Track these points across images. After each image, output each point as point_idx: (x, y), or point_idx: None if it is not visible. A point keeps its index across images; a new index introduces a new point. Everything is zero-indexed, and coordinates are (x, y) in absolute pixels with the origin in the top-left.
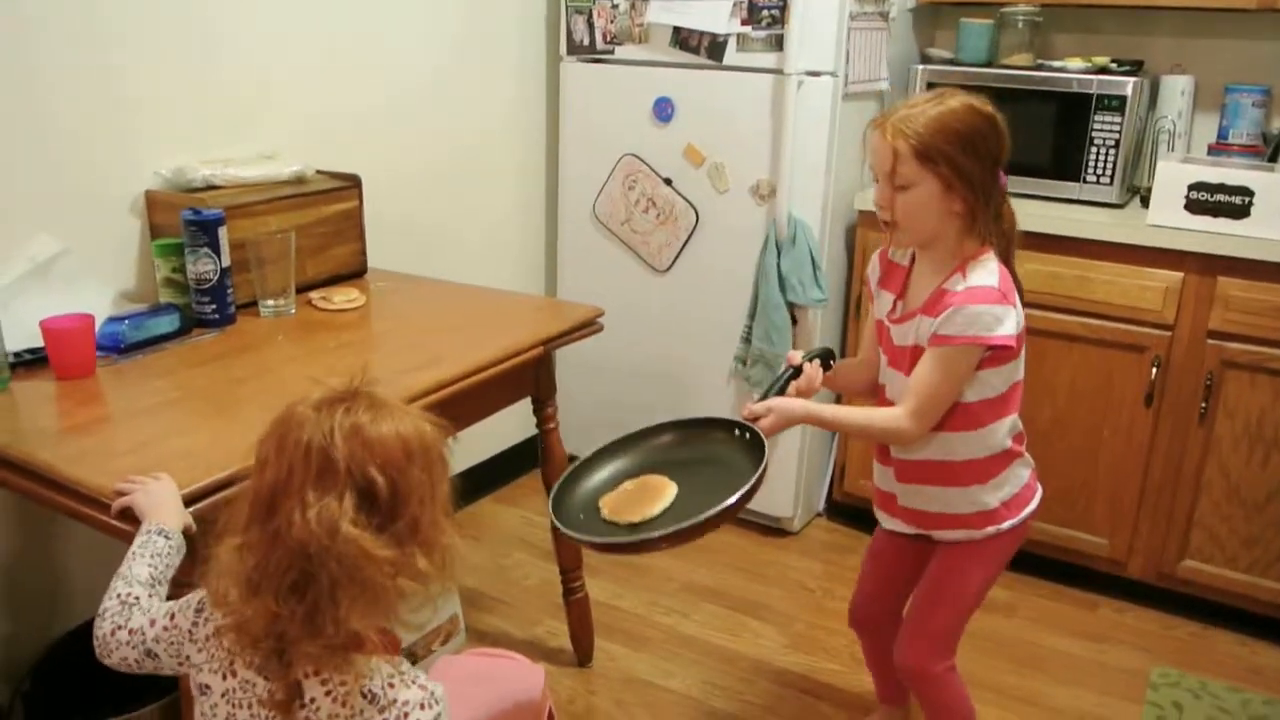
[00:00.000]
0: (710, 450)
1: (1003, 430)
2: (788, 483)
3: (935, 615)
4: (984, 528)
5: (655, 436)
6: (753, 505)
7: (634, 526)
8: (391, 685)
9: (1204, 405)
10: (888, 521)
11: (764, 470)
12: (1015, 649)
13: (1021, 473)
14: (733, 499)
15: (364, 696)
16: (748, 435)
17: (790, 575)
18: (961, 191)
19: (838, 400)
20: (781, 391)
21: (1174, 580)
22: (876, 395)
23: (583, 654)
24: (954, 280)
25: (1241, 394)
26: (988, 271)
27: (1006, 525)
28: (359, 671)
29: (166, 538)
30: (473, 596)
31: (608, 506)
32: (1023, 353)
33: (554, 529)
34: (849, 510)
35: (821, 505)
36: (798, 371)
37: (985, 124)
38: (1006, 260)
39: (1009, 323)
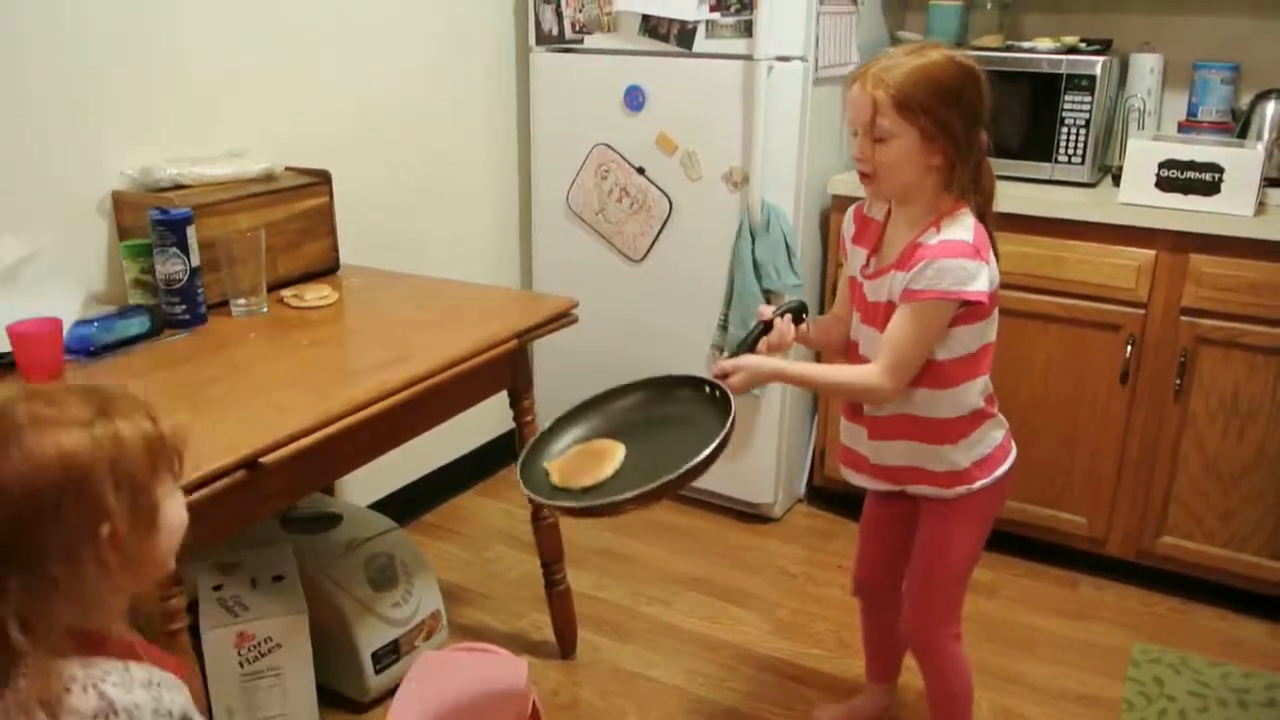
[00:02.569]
0: (677, 410)
1: (974, 390)
2: (768, 469)
3: (928, 582)
4: (954, 486)
5: (621, 398)
6: (733, 492)
7: (588, 490)
8: (68, 691)
9: (1179, 382)
10: (859, 479)
11: (730, 430)
12: (996, 629)
13: (994, 434)
14: (695, 460)
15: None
16: (717, 393)
17: (772, 561)
18: (941, 144)
19: (816, 358)
20: (752, 348)
21: (1153, 557)
22: (848, 352)
23: (566, 646)
24: (928, 234)
25: (1215, 369)
26: (962, 227)
27: (978, 485)
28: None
29: None
30: (455, 591)
31: (557, 473)
32: (995, 313)
33: (528, 498)
34: (830, 495)
35: (802, 491)
36: (769, 327)
37: (966, 76)
38: (983, 219)
39: (981, 279)
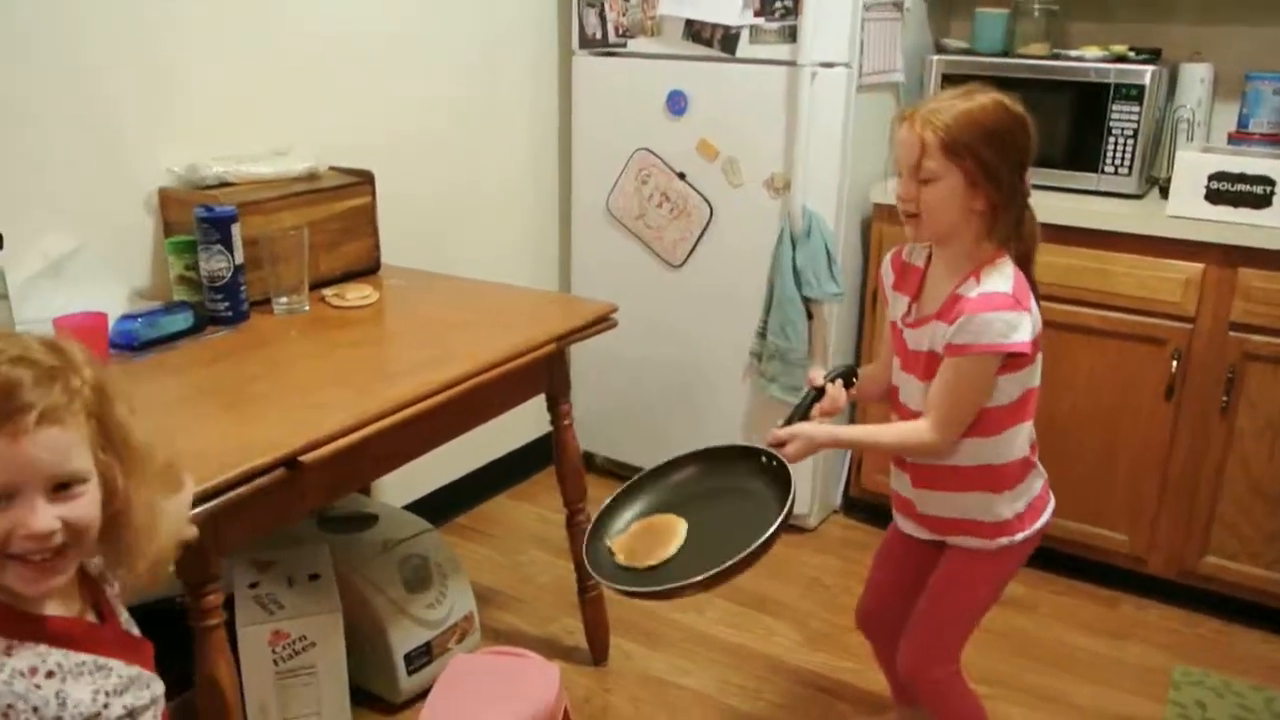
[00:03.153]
0: (735, 483)
1: (1020, 438)
2: (804, 480)
3: (938, 624)
4: (996, 538)
5: (677, 471)
6: None
7: (653, 570)
8: None
9: (1225, 399)
10: (905, 524)
11: (791, 505)
12: (1036, 646)
13: (1035, 484)
14: (758, 541)
15: None
16: (774, 462)
17: (807, 572)
18: (985, 188)
19: (852, 411)
20: (805, 415)
21: (1195, 576)
22: (890, 397)
23: (598, 652)
24: (968, 285)
25: (1264, 387)
26: (1003, 277)
27: (1019, 537)
28: None
29: None
30: (488, 594)
31: (621, 551)
32: (1039, 359)
33: (597, 581)
34: (866, 507)
35: (838, 502)
36: (820, 393)
37: (1014, 123)
38: (1024, 267)
39: (1024, 329)
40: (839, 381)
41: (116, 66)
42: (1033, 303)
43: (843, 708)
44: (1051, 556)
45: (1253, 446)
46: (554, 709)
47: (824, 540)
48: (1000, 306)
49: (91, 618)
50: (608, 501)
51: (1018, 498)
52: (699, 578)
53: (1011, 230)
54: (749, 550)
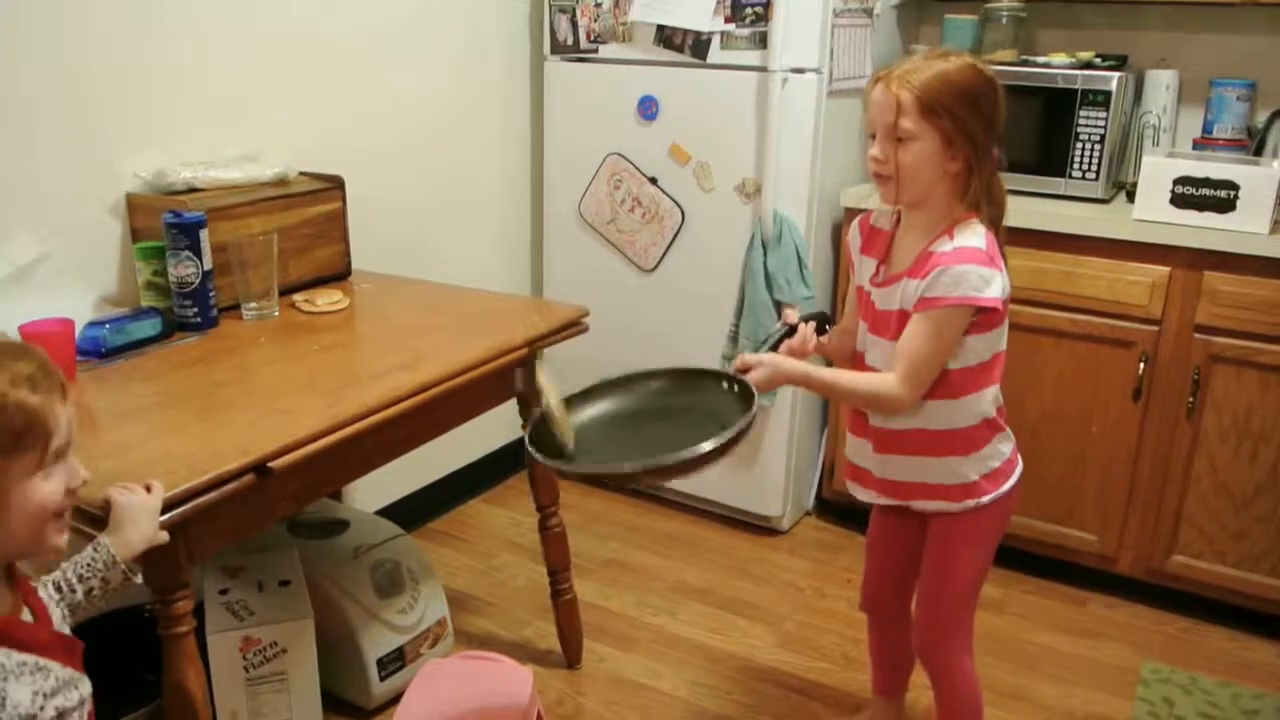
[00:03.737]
0: (700, 400)
1: (985, 400)
2: (776, 481)
3: (937, 600)
4: (963, 500)
5: (646, 381)
6: (741, 504)
7: (597, 459)
8: None
9: (1191, 400)
10: (861, 493)
11: (751, 420)
12: (1005, 645)
13: (1003, 447)
14: (713, 443)
15: None
16: (736, 388)
17: (779, 574)
18: (961, 149)
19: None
20: (774, 349)
21: (1164, 576)
22: (855, 362)
23: (571, 655)
24: (941, 242)
25: (1229, 388)
26: (975, 234)
27: (986, 499)
28: None
29: (94, 549)
30: (461, 599)
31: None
32: (1005, 322)
33: (529, 458)
34: (838, 509)
35: (811, 504)
36: (792, 330)
37: (987, 84)
38: (994, 230)
39: (995, 285)
40: (811, 323)
41: (83, 73)
42: (1003, 263)
43: (815, 708)
44: (1021, 557)
45: (1218, 447)
46: (527, 712)
47: (796, 542)
48: (975, 260)
49: (27, 616)
50: (566, 396)
51: (983, 460)
52: (645, 463)
53: (983, 194)
54: (701, 452)
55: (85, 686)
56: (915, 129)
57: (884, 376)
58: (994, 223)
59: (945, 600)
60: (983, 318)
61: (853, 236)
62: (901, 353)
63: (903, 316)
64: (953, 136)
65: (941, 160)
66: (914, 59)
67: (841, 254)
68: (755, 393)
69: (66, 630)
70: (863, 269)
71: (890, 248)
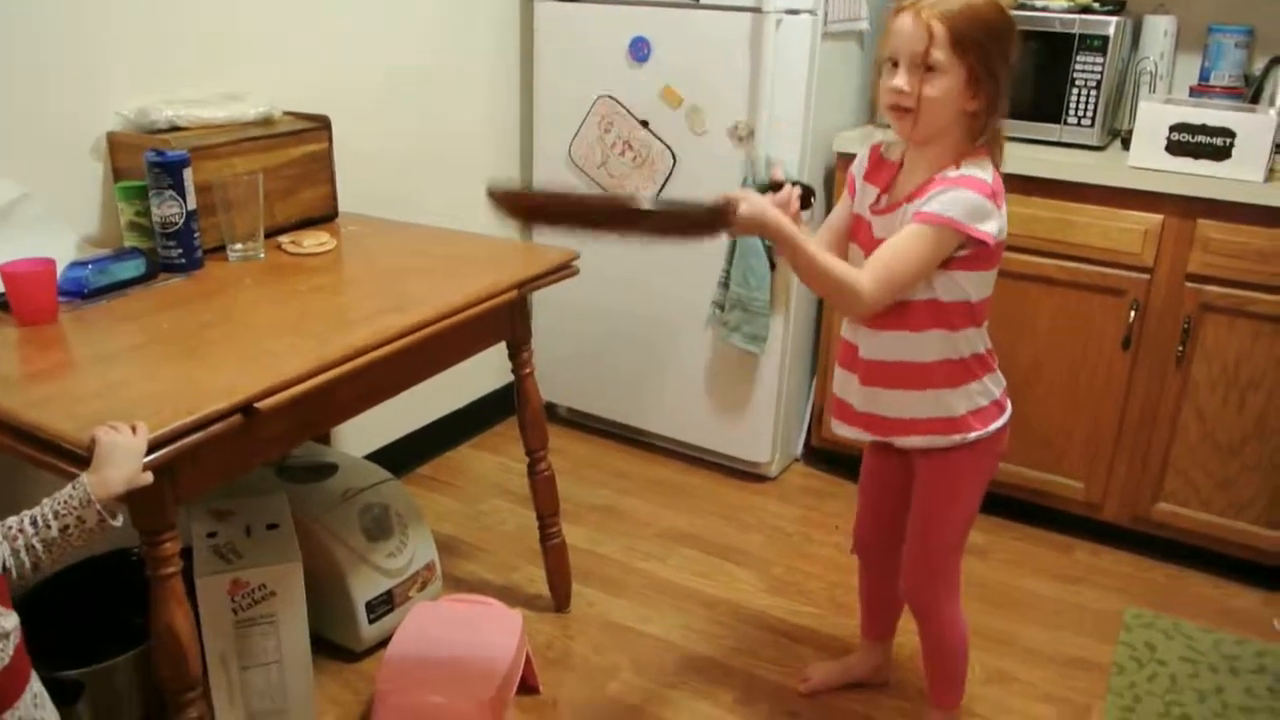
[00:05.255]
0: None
1: (976, 337)
2: (765, 427)
3: (925, 543)
4: (949, 434)
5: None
6: (731, 451)
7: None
8: None
9: (1181, 349)
10: (845, 430)
11: (713, 212)
12: (990, 591)
13: (993, 388)
14: (651, 201)
15: None
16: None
17: (768, 520)
18: (984, 86)
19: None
20: None
21: (1149, 523)
22: None
23: (560, 599)
24: (947, 170)
25: (1219, 337)
26: (983, 168)
27: (972, 436)
28: None
29: (73, 487)
30: (449, 543)
31: None
32: (995, 270)
33: (489, 194)
34: (827, 456)
35: (799, 450)
36: (777, 187)
37: (1009, 23)
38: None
39: (992, 223)
40: (798, 189)
41: (62, 6)
42: (1004, 203)
43: (803, 651)
44: (1008, 503)
45: (1206, 396)
46: (516, 655)
47: (785, 489)
48: (977, 189)
49: None
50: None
51: (971, 395)
52: (592, 193)
53: (993, 135)
54: (658, 205)
55: (10, 620)
56: (945, 61)
57: (856, 272)
58: (995, 166)
59: (932, 543)
60: (976, 253)
61: (858, 162)
62: (879, 255)
63: None
64: (977, 73)
65: (963, 97)
66: None
67: (839, 193)
68: (731, 210)
69: None
70: (863, 195)
71: (895, 180)
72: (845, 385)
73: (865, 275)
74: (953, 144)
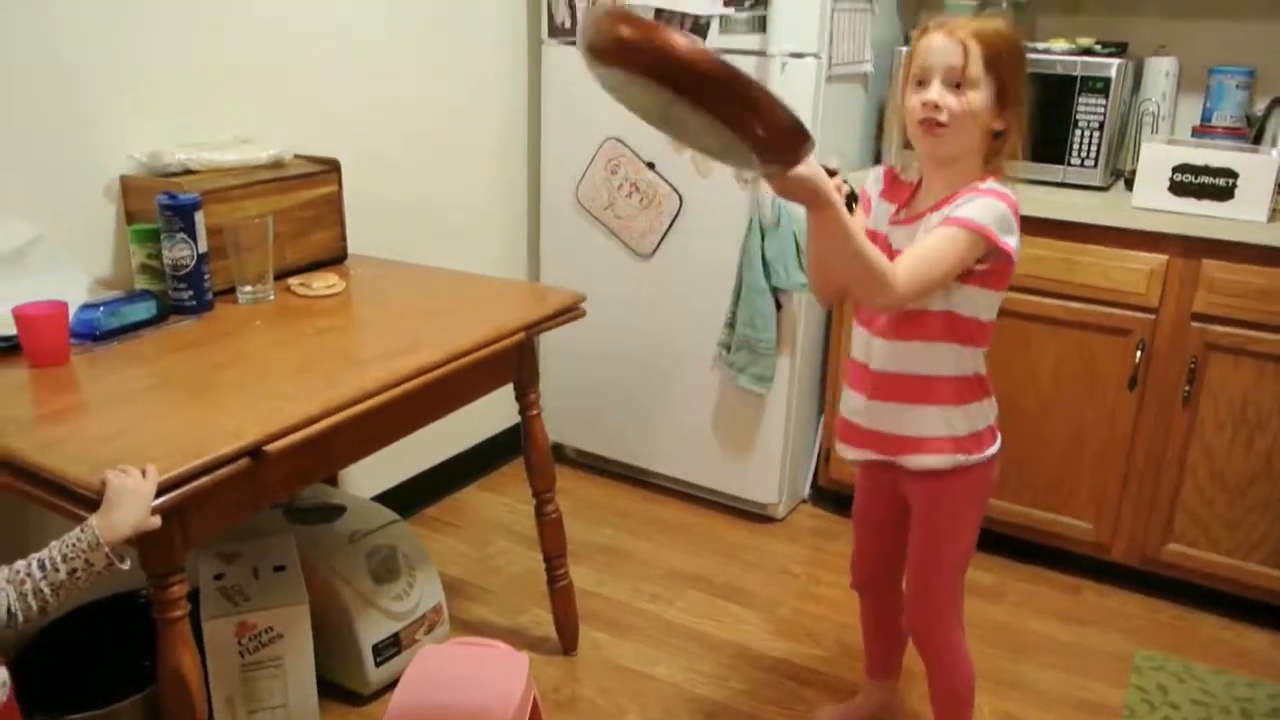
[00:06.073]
0: None
1: (980, 357)
2: (772, 468)
3: (926, 576)
4: (954, 455)
5: None
6: (737, 491)
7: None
8: None
9: (1188, 388)
10: (850, 452)
11: (806, 132)
12: (999, 633)
13: (989, 413)
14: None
15: None
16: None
17: (774, 561)
18: (1010, 107)
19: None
20: None
21: (1158, 564)
22: (846, 299)
23: (567, 642)
24: (971, 185)
25: (1225, 377)
26: (1005, 188)
27: (973, 459)
28: None
29: (81, 530)
30: (456, 585)
31: None
32: (1004, 294)
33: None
34: (834, 496)
35: (806, 491)
36: (831, 175)
37: (1025, 51)
38: None
39: (1015, 239)
40: (847, 186)
41: (78, 51)
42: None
43: (810, 694)
44: (1015, 544)
45: (1214, 435)
46: (523, 698)
47: (792, 530)
48: (1005, 201)
49: None
50: None
51: (972, 416)
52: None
53: (1008, 161)
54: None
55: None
56: (979, 77)
57: (891, 266)
58: None
59: (934, 573)
60: (994, 268)
61: (874, 180)
62: (911, 253)
63: None
64: (1005, 94)
65: (989, 116)
66: (958, 13)
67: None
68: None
69: None
70: (880, 211)
71: (913, 199)
72: (852, 405)
73: (900, 268)
74: (974, 166)
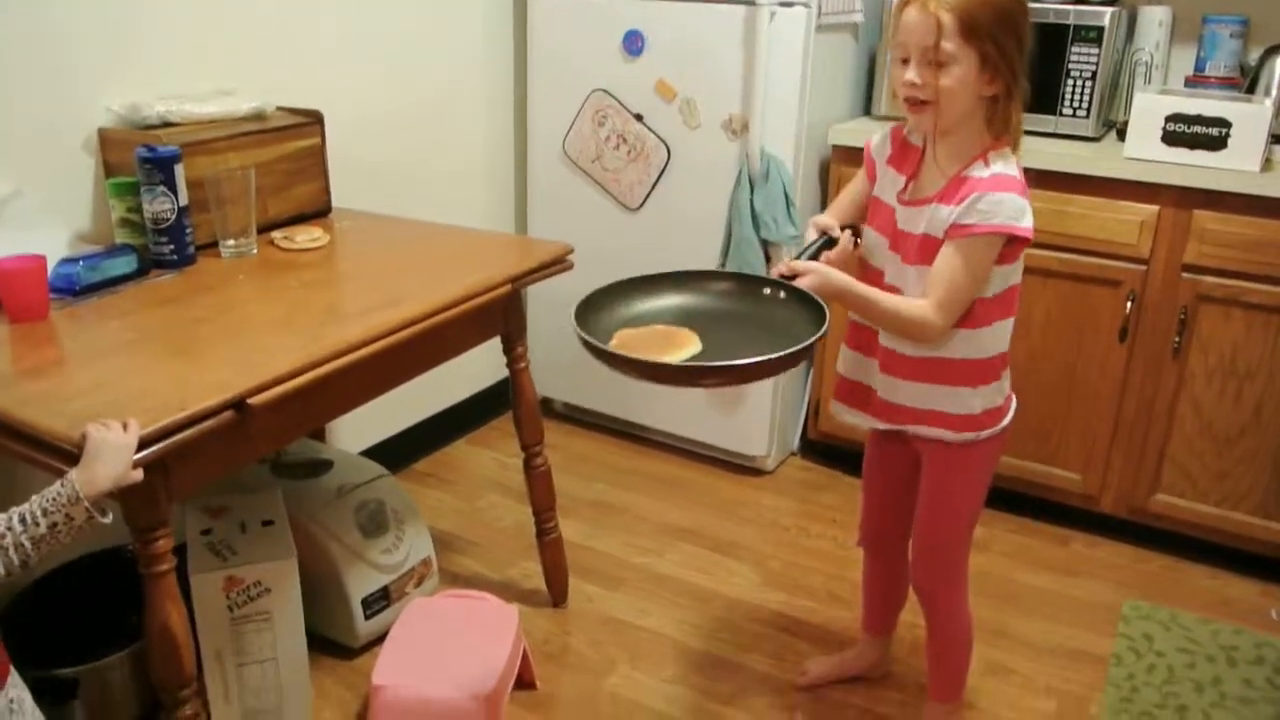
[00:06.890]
0: (761, 311)
1: (1003, 332)
2: (762, 421)
3: (934, 535)
4: (962, 431)
5: (710, 280)
6: (727, 445)
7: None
8: None
9: (1178, 340)
10: (853, 416)
11: (826, 330)
12: (988, 583)
13: (1005, 385)
14: (785, 352)
15: None
16: (781, 294)
17: (765, 514)
18: (1000, 72)
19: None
20: (814, 259)
21: (1146, 514)
22: (869, 277)
23: (557, 595)
24: (976, 167)
25: (1215, 328)
26: (1008, 163)
27: (985, 434)
28: None
29: (61, 484)
30: (446, 539)
31: (620, 341)
32: (1021, 256)
33: (583, 342)
34: (824, 449)
35: (796, 444)
36: (832, 242)
37: (1020, 5)
38: None
39: (1028, 216)
40: (849, 233)
41: (51, 4)
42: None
43: (801, 645)
44: (1005, 496)
45: (1203, 387)
46: (513, 650)
47: (782, 482)
48: (1012, 189)
49: None
50: (626, 279)
51: (989, 393)
52: (733, 362)
53: (1012, 121)
54: (769, 358)
55: None
56: (956, 52)
57: (920, 303)
58: (1015, 156)
59: (943, 534)
60: (1009, 249)
61: (880, 145)
62: (936, 280)
63: (926, 241)
64: (991, 59)
65: (978, 85)
66: None
67: (833, 191)
68: (826, 306)
69: None
70: (887, 180)
71: (920, 167)
72: (860, 369)
73: (930, 304)
74: (975, 131)
